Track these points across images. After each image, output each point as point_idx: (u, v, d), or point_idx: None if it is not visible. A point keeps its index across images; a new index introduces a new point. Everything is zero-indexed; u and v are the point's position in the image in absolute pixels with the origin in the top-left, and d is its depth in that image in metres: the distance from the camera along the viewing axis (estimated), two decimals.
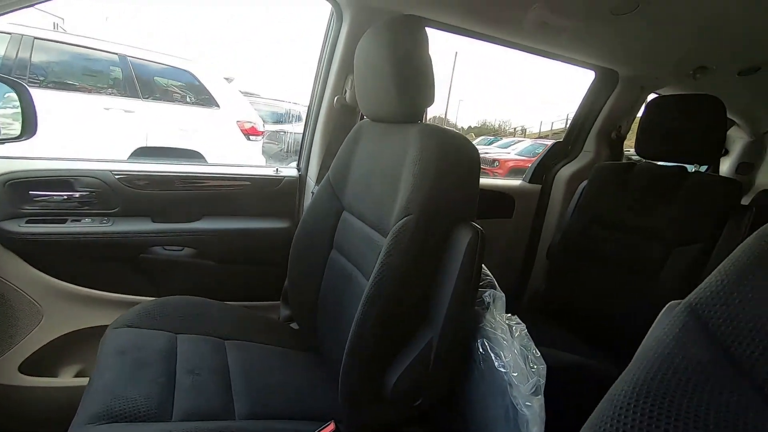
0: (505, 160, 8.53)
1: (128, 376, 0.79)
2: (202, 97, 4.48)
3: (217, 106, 4.54)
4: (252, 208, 1.30)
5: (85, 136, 3.54)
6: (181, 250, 1.18)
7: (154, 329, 0.94)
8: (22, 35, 3.43)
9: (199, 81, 4.54)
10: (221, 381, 0.86)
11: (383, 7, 1.11)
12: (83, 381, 0.91)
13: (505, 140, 12.81)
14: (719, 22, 1.15)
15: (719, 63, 1.45)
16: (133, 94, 4.20)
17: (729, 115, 1.93)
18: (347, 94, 1.22)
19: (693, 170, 1.29)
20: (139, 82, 4.23)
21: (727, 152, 2.38)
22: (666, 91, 1.70)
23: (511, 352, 0.70)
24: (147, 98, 4.25)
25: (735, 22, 1.15)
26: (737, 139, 2.35)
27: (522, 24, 1.22)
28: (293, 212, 1.33)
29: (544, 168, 1.83)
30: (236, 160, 4.23)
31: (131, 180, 1.15)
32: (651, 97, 1.73)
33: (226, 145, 4.13)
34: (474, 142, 0.82)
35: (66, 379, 1.09)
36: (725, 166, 2.39)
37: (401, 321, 0.75)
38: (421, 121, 0.89)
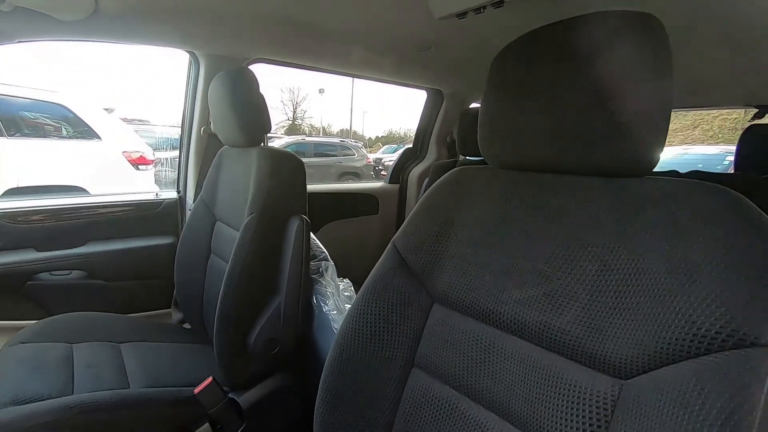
0: None
1: (29, 377, 0.94)
2: (80, 130, 4.28)
3: (98, 137, 4.36)
4: (137, 229, 1.47)
5: None
6: (69, 274, 1.32)
7: (50, 341, 1.09)
8: None
9: (73, 113, 4.32)
10: (118, 370, 1.04)
11: (229, 54, 1.38)
12: None
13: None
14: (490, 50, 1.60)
15: None
16: None
17: None
18: (212, 124, 1.47)
19: None
20: (1, 119, 3.93)
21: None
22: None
23: (334, 300, 1.01)
24: (13, 135, 3.96)
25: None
26: None
27: (349, 59, 1.57)
28: (176, 229, 1.53)
29: (400, 170, 2.23)
30: (124, 190, 4.12)
31: (11, 216, 1.27)
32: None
33: (112, 178, 4.01)
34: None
35: None
36: None
37: (254, 292, 1.03)
38: (263, 143, 1.18)
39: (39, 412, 0.82)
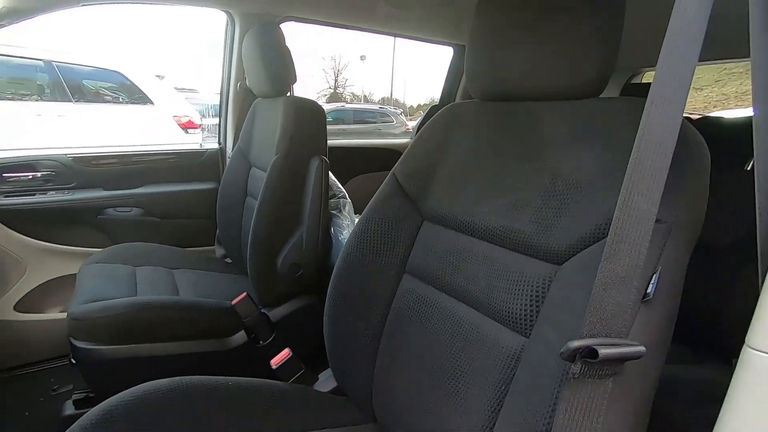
0: None
1: (103, 286, 1.16)
2: (136, 96, 4.61)
3: (152, 103, 4.69)
4: (184, 175, 1.67)
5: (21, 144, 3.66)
6: (130, 211, 1.55)
7: (117, 263, 1.31)
8: None
9: (129, 80, 4.66)
10: (172, 287, 1.25)
11: (263, 12, 1.50)
12: (64, 315, 1.27)
13: None
14: None
15: None
16: (63, 98, 4.28)
17: None
18: (246, 80, 1.61)
19: None
20: (68, 85, 4.31)
21: None
22: None
23: (348, 229, 1.15)
24: (78, 101, 4.34)
25: None
26: None
27: (374, 14, 1.64)
28: (217, 176, 1.71)
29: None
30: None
31: (85, 160, 1.50)
32: None
33: (163, 140, 4.33)
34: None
35: (51, 314, 1.44)
36: None
37: (280, 223, 1.18)
38: (289, 93, 1.31)
39: (111, 306, 1.03)
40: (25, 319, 1.39)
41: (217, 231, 1.64)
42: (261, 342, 1.17)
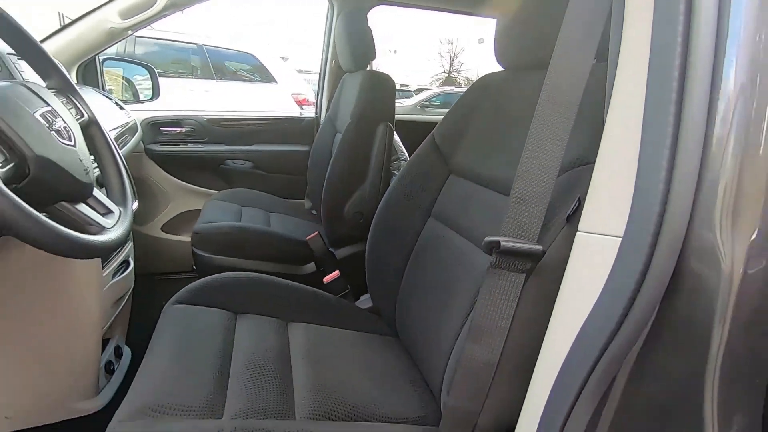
0: None
1: (218, 216, 1.52)
2: (265, 76, 5.32)
3: (275, 81, 5.34)
4: (286, 138, 2.02)
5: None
6: (244, 164, 1.93)
7: (229, 202, 1.68)
8: None
9: (260, 62, 5.37)
10: (266, 224, 1.57)
11: None
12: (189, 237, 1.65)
13: None
14: None
15: None
16: (209, 76, 5.13)
17: None
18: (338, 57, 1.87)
19: None
20: (213, 66, 5.14)
21: None
22: None
23: None
24: (220, 79, 5.17)
25: None
26: None
27: None
28: (311, 140, 2.02)
29: None
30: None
31: (215, 121, 1.91)
32: None
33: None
34: None
35: (184, 237, 1.90)
36: None
37: (348, 176, 1.42)
38: (369, 68, 1.52)
39: (221, 226, 1.37)
40: (167, 238, 1.86)
41: (307, 187, 1.96)
42: (326, 273, 1.44)
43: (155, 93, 1.86)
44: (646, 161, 0.40)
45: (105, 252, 0.86)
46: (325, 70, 1.96)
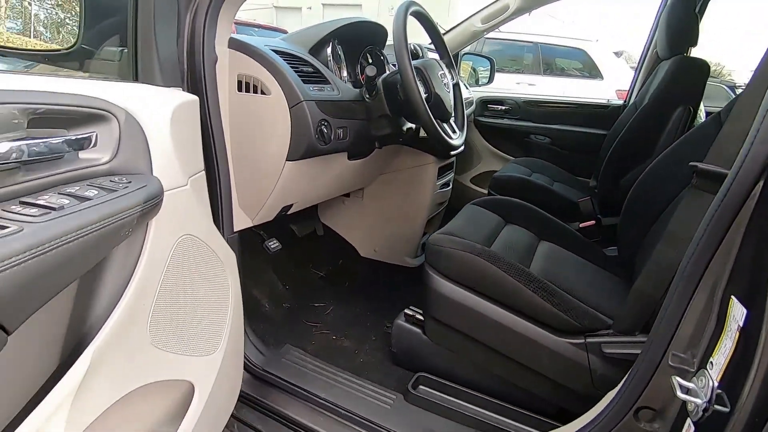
0: None
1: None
2: (592, 72, 5.40)
3: (601, 78, 5.31)
4: (587, 121, 2.24)
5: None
6: (544, 139, 2.30)
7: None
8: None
9: (590, 57, 5.44)
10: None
11: None
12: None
13: None
14: None
15: None
16: (537, 71, 5.62)
17: None
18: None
19: None
20: (543, 62, 5.59)
21: None
22: None
23: None
24: (545, 74, 5.58)
25: None
26: None
27: None
28: (612, 124, 2.15)
29: None
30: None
31: (528, 102, 2.36)
32: None
33: None
34: None
35: (485, 189, 2.46)
36: None
37: (630, 154, 1.56)
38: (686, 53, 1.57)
39: (512, 177, 1.82)
40: (473, 188, 2.48)
41: (596, 168, 2.13)
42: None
43: (491, 79, 2.46)
44: None
45: (455, 149, 1.24)
46: (644, 59, 2.04)
